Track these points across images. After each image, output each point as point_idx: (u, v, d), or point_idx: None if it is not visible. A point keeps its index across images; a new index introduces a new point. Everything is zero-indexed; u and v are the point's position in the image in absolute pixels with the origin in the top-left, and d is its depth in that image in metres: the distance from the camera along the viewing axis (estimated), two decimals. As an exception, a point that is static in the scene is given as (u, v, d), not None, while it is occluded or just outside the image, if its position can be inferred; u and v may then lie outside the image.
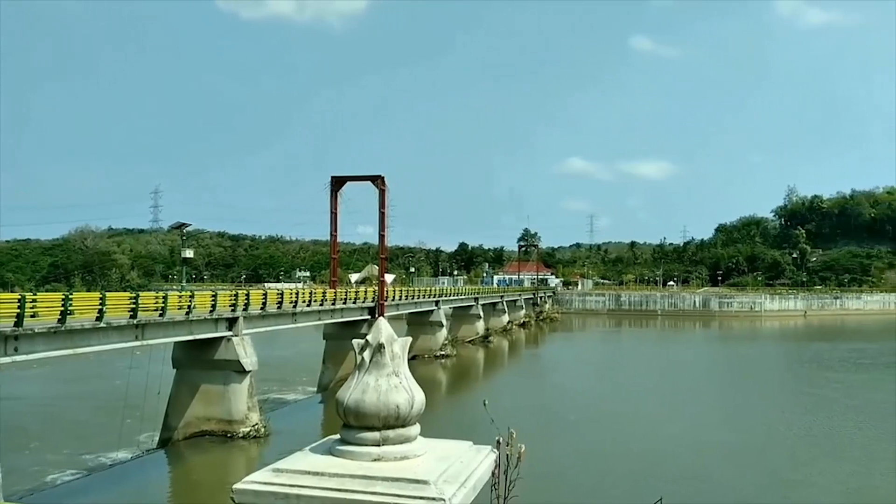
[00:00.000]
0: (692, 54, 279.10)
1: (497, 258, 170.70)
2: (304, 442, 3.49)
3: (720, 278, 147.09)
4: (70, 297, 25.45)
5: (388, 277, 56.01)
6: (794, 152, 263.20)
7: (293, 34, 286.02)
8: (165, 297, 30.13)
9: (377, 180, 50.00)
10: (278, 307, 38.73)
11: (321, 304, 43.06)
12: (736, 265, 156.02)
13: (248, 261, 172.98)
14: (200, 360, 32.75)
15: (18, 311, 22.80)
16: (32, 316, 23.47)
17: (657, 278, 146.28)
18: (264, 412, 34.37)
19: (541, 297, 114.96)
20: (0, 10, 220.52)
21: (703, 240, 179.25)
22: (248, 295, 36.32)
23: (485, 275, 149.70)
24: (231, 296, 34.69)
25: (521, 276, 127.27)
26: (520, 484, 3.65)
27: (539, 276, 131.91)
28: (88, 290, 49.98)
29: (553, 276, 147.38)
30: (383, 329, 3.40)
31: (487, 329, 78.52)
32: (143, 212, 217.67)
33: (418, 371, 49.92)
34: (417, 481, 2.93)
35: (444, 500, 2.84)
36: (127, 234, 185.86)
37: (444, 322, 64.81)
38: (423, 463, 3.16)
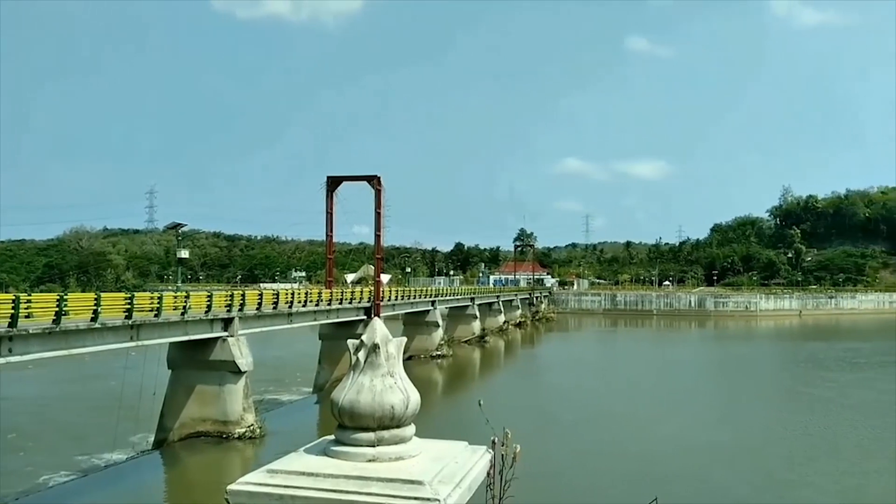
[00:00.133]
0: (688, 54, 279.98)
1: (493, 258, 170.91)
2: (300, 443, 3.48)
3: (715, 278, 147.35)
4: (65, 297, 25.36)
5: (385, 277, 55.89)
6: (789, 152, 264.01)
7: (288, 34, 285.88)
8: (161, 298, 30.03)
9: (373, 180, 49.96)
10: (274, 307, 38.66)
11: (317, 305, 43.01)
12: (731, 265, 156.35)
13: (243, 261, 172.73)
14: (196, 361, 32.68)
15: (13, 311, 22.71)
16: (27, 317, 23.39)
17: (653, 278, 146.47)
18: (260, 413, 34.30)
19: (537, 297, 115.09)
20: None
21: (698, 240, 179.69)
22: (243, 295, 36.26)
23: (481, 275, 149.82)
24: (227, 296, 34.61)
25: (517, 276, 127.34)
26: (515, 484, 3.64)
27: (535, 276, 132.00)
28: (83, 291, 49.79)
29: (549, 276, 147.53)
30: (378, 329, 3.39)
31: (484, 329, 78.54)
32: (139, 212, 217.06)
33: (414, 371, 49.90)
34: (412, 482, 2.92)
35: (438, 500, 2.83)
36: (122, 235, 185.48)
37: (441, 322, 64.80)
38: (418, 463, 3.16)
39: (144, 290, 54.55)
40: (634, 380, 53.11)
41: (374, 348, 3.31)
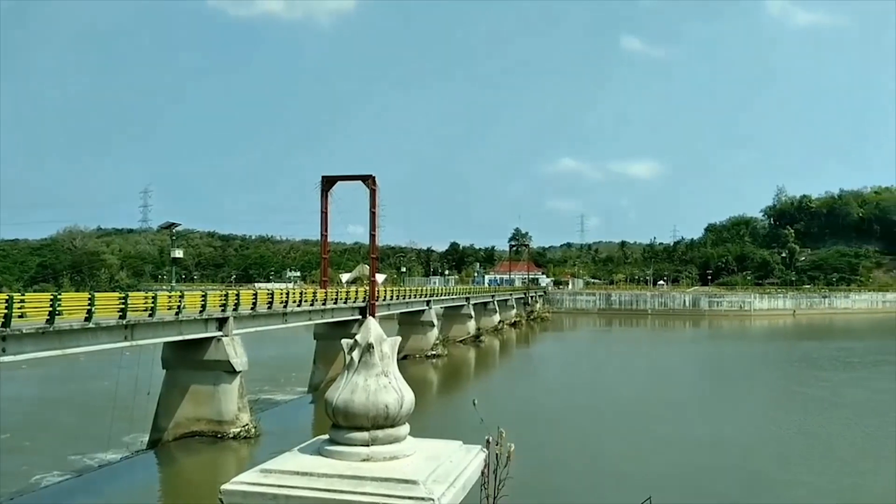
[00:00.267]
0: (682, 54, 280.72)
1: (488, 258, 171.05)
2: (295, 442, 3.48)
3: (710, 278, 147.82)
4: (58, 297, 25.30)
5: (380, 277, 55.88)
6: (783, 152, 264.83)
7: (283, 33, 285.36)
8: (155, 298, 29.98)
9: (368, 180, 49.93)
10: (268, 307, 38.61)
11: (312, 304, 42.97)
12: (725, 264, 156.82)
13: (238, 261, 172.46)
14: (190, 361, 32.62)
15: (6, 311, 22.65)
16: (20, 316, 23.32)
17: (647, 278, 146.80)
18: (255, 412, 34.26)
19: (532, 297, 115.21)
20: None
21: (692, 239, 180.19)
22: (238, 295, 36.19)
23: (476, 274, 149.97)
24: (221, 296, 34.55)
25: (512, 276, 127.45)
26: (509, 483, 3.65)
27: (530, 276, 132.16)
28: (77, 291, 49.64)
29: (544, 276, 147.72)
30: (372, 329, 3.39)
31: (479, 329, 78.57)
32: (133, 212, 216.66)
33: (409, 371, 49.94)
34: (406, 481, 2.92)
35: (433, 499, 2.84)
36: (116, 234, 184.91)
37: (436, 322, 64.82)
38: (413, 463, 3.16)
39: (138, 290, 54.47)
40: (629, 379, 53.22)
41: (369, 348, 3.32)
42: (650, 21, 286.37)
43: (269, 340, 53.71)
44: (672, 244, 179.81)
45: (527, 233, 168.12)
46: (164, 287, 78.98)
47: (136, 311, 28.28)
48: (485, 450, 3.57)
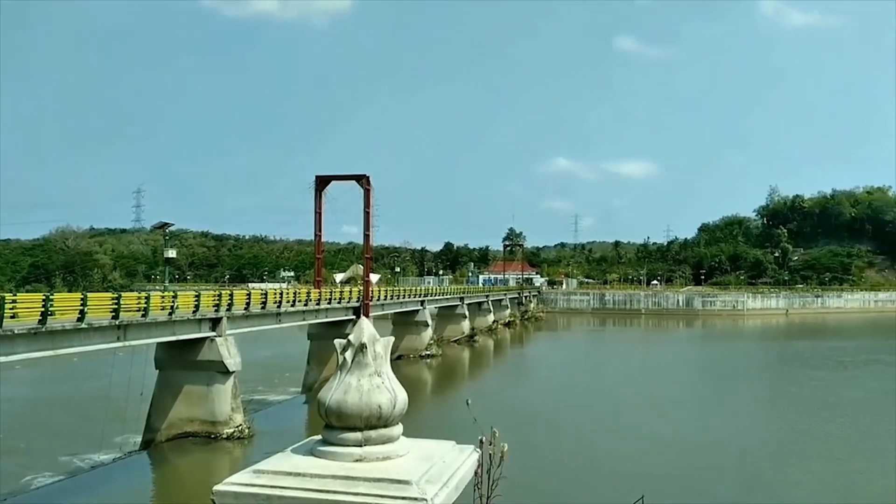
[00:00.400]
0: (676, 54, 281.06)
1: (482, 258, 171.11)
2: (289, 443, 3.47)
3: (703, 277, 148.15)
4: (51, 297, 25.22)
5: (374, 277, 55.82)
6: (776, 152, 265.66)
7: (277, 33, 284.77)
8: (148, 298, 29.88)
9: (362, 180, 49.90)
10: (262, 307, 38.55)
11: (305, 305, 42.92)
12: (719, 264, 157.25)
13: (231, 261, 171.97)
14: (184, 361, 32.54)
15: (-2, 311, 22.53)
16: (12, 317, 23.22)
17: (641, 277, 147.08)
18: (248, 413, 34.19)
19: (526, 297, 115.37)
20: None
21: (686, 239, 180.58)
22: (231, 295, 36.13)
23: (470, 274, 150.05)
24: (214, 296, 34.48)
25: (506, 276, 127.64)
26: (503, 483, 3.64)
27: (524, 276, 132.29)
28: (70, 291, 49.45)
29: (538, 276, 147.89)
30: (365, 329, 3.39)
31: (473, 328, 78.63)
32: (126, 211, 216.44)
33: (403, 371, 49.92)
34: (399, 481, 2.92)
35: (426, 500, 2.83)
36: (109, 234, 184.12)
37: (430, 322, 64.82)
38: (406, 463, 3.16)
39: (131, 290, 54.25)
40: (622, 379, 53.34)
41: (362, 348, 3.31)
42: (645, 21, 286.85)
43: (262, 340, 53.63)
44: (666, 244, 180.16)
45: (521, 233, 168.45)
46: (158, 287, 78.71)
47: (129, 311, 28.20)
48: (478, 450, 3.56)
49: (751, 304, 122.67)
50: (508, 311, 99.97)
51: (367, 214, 49.85)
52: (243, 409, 33.40)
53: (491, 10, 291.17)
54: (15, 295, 26.05)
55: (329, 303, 45.97)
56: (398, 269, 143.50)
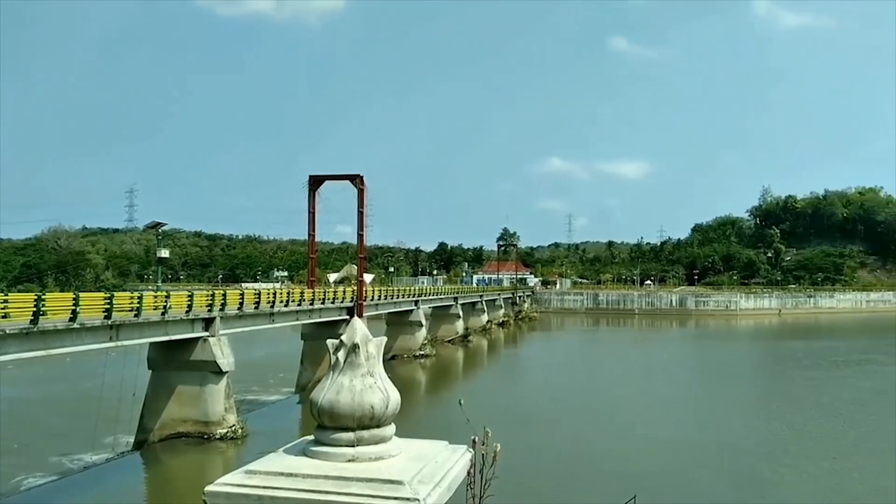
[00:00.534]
0: (670, 55, 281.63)
1: (476, 258, 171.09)
2: (283, 443, 3.47)
3: (696, 277, 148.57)
4: (43, 297, 25.08)
5: (367, 277, 55.80)
6: (769, 152, 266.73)
7: (271, 32, 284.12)
8: (140, 298, 29.77)
9: (356, 179, 49.81)
10: (255, 307, 38.44)
11: (299, 305, 42.82)
12: (712, 264, 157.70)
13: (224, 261, 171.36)
14: (176, 361, 32.41)
15: (-11, 311, 22.41)
16: (4, 317, 23.11)
17: (634, 277, 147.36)
18: (241, 413, 34.10)
19: (520, 297, 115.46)
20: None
21: (679, 239, 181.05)
22: (224, 295, 36.00)
23: (464, 274, 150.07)
24: (207, 296, 34.36)
25: (500, 276, 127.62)
26: (495, 483, 3.64)
27: (518, 276, 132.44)
28: (62, 291, 49.23)
29: (532, 276, 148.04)
30: (358, 329, 3.38)
31: (467, 328, 78.62)
32: (118, 211, 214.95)
33: (397, 371, 49.90)
34: (392, 482, 2.92)
35: (418, 500, 2.83)
36: (101, 234, 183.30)
37: (424, 322, 64.80)
38: (398, 463, 3.16)
39: (124, 290, 54.04)
40: (615, 379, 53.43)
41: (354, 348, 3.30)
42: (639, 22, 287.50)
43: (256, 341, 53.52)
44: (659, 244, 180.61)
45: (515, 233, 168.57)
46: (150, 287, 78.43)
47: (122, 311, 28.08)
48: (471, 450, 3.57)
49: (744, 304, 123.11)
50: (502, 311, 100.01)
51: (360, 214, 49.75)
52: (236, 410, 33.31)
53: (485, 11, 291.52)
54: (6, 295, 25.87)
55: (323, 303, 45.88)
56: (392, 269, 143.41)
